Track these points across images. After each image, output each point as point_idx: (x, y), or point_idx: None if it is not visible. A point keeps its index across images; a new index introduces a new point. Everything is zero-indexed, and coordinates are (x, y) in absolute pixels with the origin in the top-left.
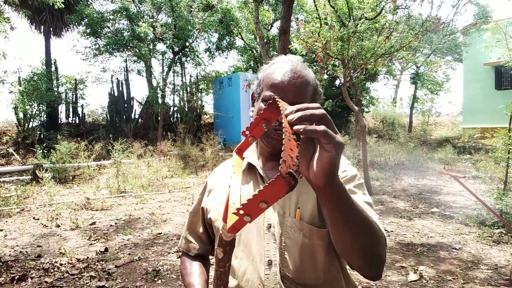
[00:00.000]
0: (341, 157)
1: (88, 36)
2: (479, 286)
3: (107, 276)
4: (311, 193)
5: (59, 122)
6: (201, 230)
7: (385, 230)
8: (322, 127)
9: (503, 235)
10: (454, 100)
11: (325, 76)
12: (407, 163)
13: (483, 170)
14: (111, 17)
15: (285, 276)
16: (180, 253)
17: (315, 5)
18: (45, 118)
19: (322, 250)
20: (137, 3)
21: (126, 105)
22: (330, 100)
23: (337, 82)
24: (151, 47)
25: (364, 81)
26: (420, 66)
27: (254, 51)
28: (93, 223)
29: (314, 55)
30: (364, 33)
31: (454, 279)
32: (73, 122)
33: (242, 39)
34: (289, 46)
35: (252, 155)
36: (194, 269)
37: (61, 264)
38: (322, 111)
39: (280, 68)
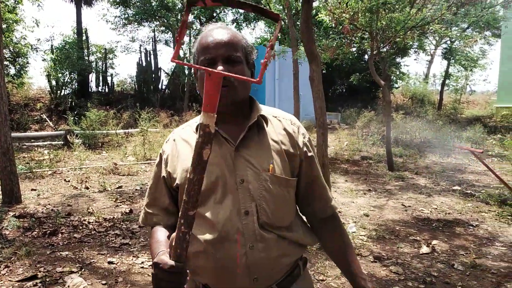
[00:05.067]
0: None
1: (118, 5)
2: (491, 261)
3: (131, 234)
4: (276, 149)
5: (90, 90)
6: (167, 201)
7: (403, 205)
8: None
9: None
10: (490, 78)
11: (353, 49)
12: (433, 141)
13: (507, 149)
14: None
15: (263, 223)
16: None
17: None
18: (76, 86)
19: (291, 196)
20: None
21: (153, 75)
22: (357, 73)
23: (366, 57)
24: (179, 17)
25: (393, 55)
26: (455, 41)
27: (282, 23)
28: (120, 187)
29: (341, 26)
30: (396, 5)
31: (467, 254)
32: (103, 91)
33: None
34: (316, 18)
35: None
36: (161, 234)
37: (89, 222)
38: None
39: (206, 32)
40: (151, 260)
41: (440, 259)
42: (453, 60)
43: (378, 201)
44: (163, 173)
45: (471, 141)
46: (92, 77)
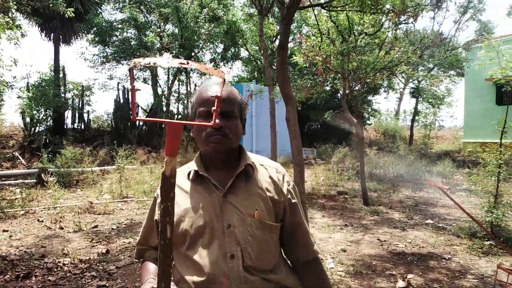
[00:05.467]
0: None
1: (97, 44)
2: None
3: (108, 276)
4: (261, 196)
5: (65, 127)
6: (157, 241)
7: (378, 239)
8: None
9: (492, 247)
10: (457, 114)
11: (327, 88)
12: (405, 175)
13: (474, 184)
14: (120, 26)
15: (247, 267)
16: None
17: (316, 20)
18: (51, 123)
19: (275, 241)
20: (145, 13)
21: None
22: (331, 111)
23: (339, 94)
24: (157, 55)
25: (365, 93)
26: (422, 81)
27: (258, 62)
28: (96, 226)
29: (314, 68)
30: (365, 48)
31: (441, 287)
32: (79, 127)
33: (247, 50)
34: (291, 60)
35: (197, 164)
36: (151, 267)
37: (64, 264)
38: None
39: (206, 87)
40: None
41: None
42: (421, 98)
43: (354, 236)
44: (156, 217)
45: (441, 176)
46: (68, 114)
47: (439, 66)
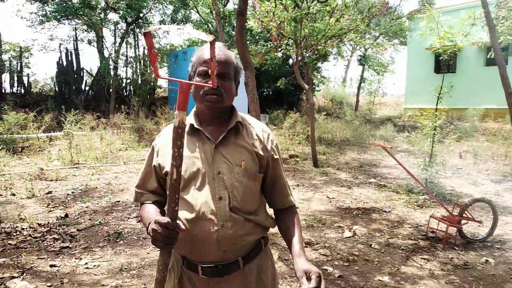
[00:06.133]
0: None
1: (34, 1)
2: (401, 240)
3: (70, 238)
4: (248, 150)
5: (3, 91)
6: (155, 185)
7: (327, 197)
8: None
9: (426, 200)
10: (398, 82)
11: (279, 55)
12: (352, 139)
13: (412, 145)
14: None
15: (233, 207)
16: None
17: None
18: None
19: (257, 188)
20: None
21: (76, 75)
22: (283, 78)
23: (291, 61)
24: (102, 16)
25: (315, 60)
26: (368, 49)
27: (210, 26)
28: (49, 192)
29: (269, 34)
30: (317, 15)
31: (382, 235)
32: (18, 92)
33: (198, 12)
34: (246, 25)
35: (193, 119)
36: (151, 207)
37: (22, 229)
38: None
39: (206, 49)
40: (94, 259)
41: (360, 241)
42: (367, 66)
43: (306, 194)
44: (154, 163)
45: (383, 139)
46: (6, 77)
47: (385, 35)
